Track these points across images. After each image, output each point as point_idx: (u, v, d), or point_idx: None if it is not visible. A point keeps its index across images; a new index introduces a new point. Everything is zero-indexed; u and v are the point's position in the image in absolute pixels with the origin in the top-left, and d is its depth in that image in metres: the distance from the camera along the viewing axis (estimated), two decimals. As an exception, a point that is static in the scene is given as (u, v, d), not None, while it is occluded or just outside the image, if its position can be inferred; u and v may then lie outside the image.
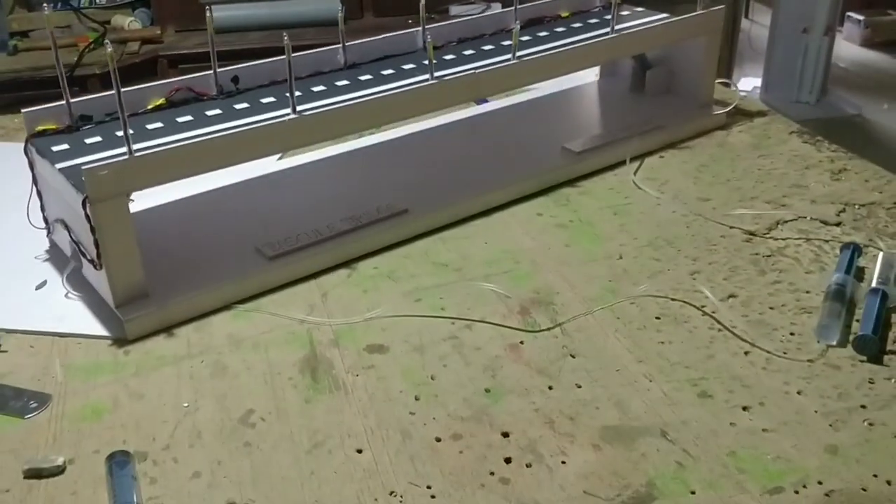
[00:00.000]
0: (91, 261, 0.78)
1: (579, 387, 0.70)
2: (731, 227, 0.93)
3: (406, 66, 1.03)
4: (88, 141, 0.85)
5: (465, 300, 0.82)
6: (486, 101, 1.30)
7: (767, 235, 0.92)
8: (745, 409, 0.67)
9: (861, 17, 4.30)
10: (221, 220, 0.94)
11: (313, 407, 0.69)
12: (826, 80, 3.51)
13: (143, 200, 0.95)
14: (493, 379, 0.72)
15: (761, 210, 0.97)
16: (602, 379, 0.71)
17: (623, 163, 1.08)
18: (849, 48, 4.25)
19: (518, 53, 0.99)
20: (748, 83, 3.70)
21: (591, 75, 1.33)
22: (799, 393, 0.69)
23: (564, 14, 1.22)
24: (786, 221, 0.94)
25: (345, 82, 0.99)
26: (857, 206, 0.97)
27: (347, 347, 0.76)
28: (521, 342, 0.76)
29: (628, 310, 0.80)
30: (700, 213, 0.96)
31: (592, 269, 0.87)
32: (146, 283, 0.79)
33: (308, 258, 0.87)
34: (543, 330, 0.78)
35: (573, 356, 0.74)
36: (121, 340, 0.78)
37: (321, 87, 0.97)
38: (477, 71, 0.96)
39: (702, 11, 1.13)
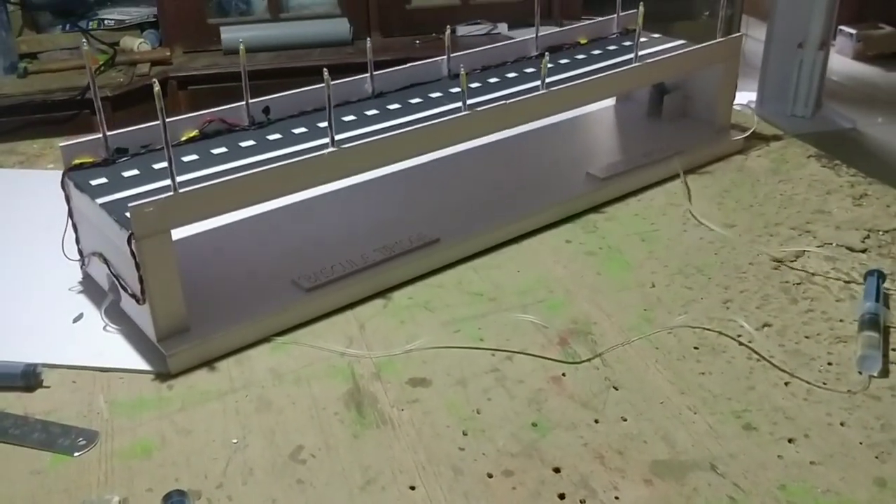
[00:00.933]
0: (133, 295, 0.78)
1: (625, 420, 0.71)
2: (759, 255, 0.94)
3: (433, 95, 1.04)
4: (126, 174, 0.85)
5: (503, 331, 0.83)
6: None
7: (795, 263, 0.93)
8: (790, 441, 0.68)
9: (853, 31, 4.35)
10: (256, 251, 0.95)
11: (362, 442, 0.70)
12: (821, 95, 3.55)
13: (177, 231, 0.95)
14: (538, 413, 0.72)
15: (787, 237, 0.98)
16: (647, 412, 0.72)
17: (646, 189, 1.09)
18: (841, 62, 4.30)
19: (546, 81, 0.99)
20: (743, 97, 3.73)
21: (608, 100, 1.34)
22: (842, 424, 0.70)
23: (583, 41, 1.23)
24: (812, 248, 0.96)
25: (374, 112, 1.00)
26: (881, 233, 0.98)
27: (390, 381, 0.77)
28: (564, 374, 0.77)
29: (666, 340, 0.81)
30: (727, 240, 0.98)
31: (626, 298, 0.88)
32: (188, 317, 0.80)
33: (344, 289, 0.88)
34: (584, 361, 0.78)
35: (616, 388, 0.75)
36: (163, 375, 0.78)
37: (352, 117, 0.98)
38: (509, 101, 0.96)
39: (721, 39, 1.15)
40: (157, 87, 0.74)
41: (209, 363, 0.80)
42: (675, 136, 1.19)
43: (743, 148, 1.21)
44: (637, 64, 1.08)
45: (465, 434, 0.70)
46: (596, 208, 1.06)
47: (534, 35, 1.18)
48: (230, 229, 0.98)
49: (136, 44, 2.00)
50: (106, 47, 2.01)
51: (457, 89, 1.04)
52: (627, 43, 1.22)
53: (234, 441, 0.70)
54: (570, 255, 0.96)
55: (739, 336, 0.81)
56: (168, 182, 0.76)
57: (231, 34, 2.01)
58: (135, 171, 0.86)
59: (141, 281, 0.76)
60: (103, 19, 2.10)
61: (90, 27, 2.08)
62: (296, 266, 0.90)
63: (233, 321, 0.82)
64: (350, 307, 0.87)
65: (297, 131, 0.94)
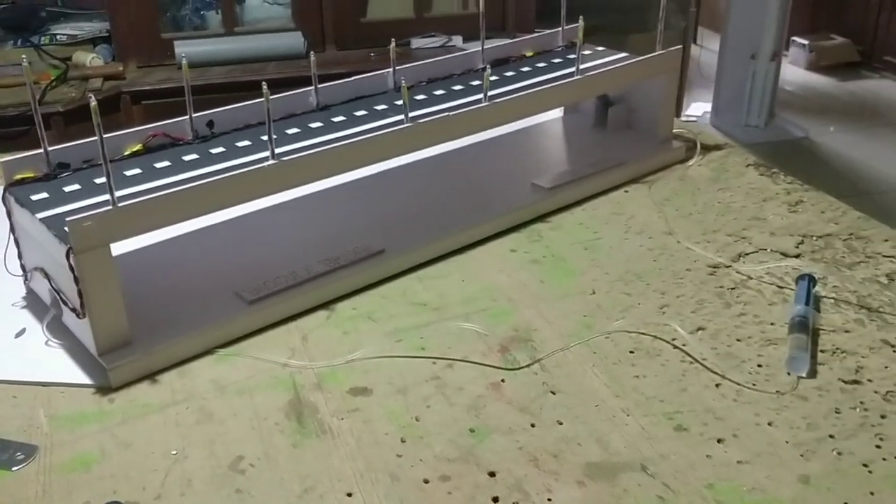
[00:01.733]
0: (74, 310, 0.78)
1: (561, 423, 0.73)
2: (696, 261, 0.97)
3: (378, 107, 1.06)
4: (67, 189, 0.85)
5: (445, 339, 0.84)
6: (453, 137, 1.33)
7: (730, 268, 0.95)
8: (719, 441, 0.70)
9: (806, 42, 4.44)
10: (199, 264, 0.95)
11: (302, 451, 0.71)
12: (773, 105, 3.62)
13: (120, 245, 0.95)
14: (477, 419, 0.74)
15: (723, 243, 1.00)
16: (582, 415, 0.74)
17: (591, 198, 1.11)
18: (795, 72, 4.39)
19: (489, 94, 1.01)
20: (698, 108, 3.80)
21: (555, 111, 1.37)
22: (770, 424, 0.72)
23: (528, 54, 1.25)
24: (747, 254, 0.98)
25: (318, 124, 1.01)
26: (814, 238, 1.01)
27: (331, 391, 0.78)
28: (503, 380, 0.78)
29: (603, 345, 0.83)
30: (666, 247, 1.00)
31: (568, 305, 0.89)
32: (129, 330, 0.80)
33: (287, 301, 0.88)
34: (523, 367, 0.80)
35: (553, 393, 0.76)
36: (105, 388, 0.78)
37: (295, 130, 0.99)
38: (451, 113, 0.98)
39: (661, 52, 1.17)
40: (93, 103, 0.74)
41: (151, 376, 0.80)
42: (619, 146, 1.22)
43: (685, 157, 1.24)
44: (578, 77, 1.10)
45: (403, 441, 0.71)
46: (541, 218, 1.08)
47: (480, 48, 1.19)
48: (174, 243, 0.98)
49: (89, 59, 1.99)
50: (58, 62, 2.00)
51: (401, 102, 1.05)
52: (572, 56, 1.24)
53: (174, 453, 0.71)
54: (515, 264, 0.98)
55: (674, 340, 0.83)
56: (108, 197, 0.77)
57: (185, 49, 2.00)
58: (76, 186, 0.86)
59: (81, 295, 0.77)
60: (55, 34, 2.09)
61: (42, 42, 2.07)
62: (239, 278, 0.90)
63: (175, 334, 0.82)
64: (293, 319, 0.88)
65: (240, 144, 0.95)
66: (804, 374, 0.77)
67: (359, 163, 0.94)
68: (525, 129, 1.30)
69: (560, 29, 1.28)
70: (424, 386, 0.78)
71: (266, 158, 0.87)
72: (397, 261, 0.96)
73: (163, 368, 0.81)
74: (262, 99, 0.99)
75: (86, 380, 0.79)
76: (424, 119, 0.97)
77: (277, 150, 0.88)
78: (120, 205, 0.77)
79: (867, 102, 4.01)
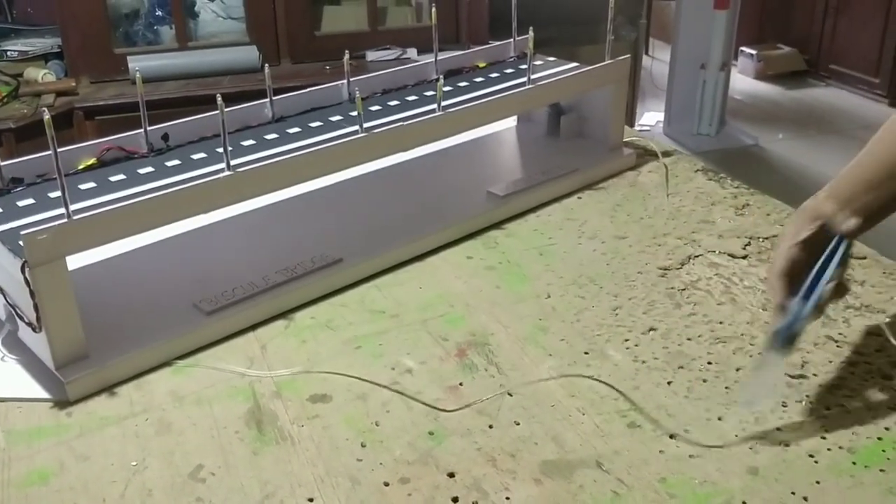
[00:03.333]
0: (30, 324, 0.78)
1: (518, 424, 0.74)
2: (647, 264, 0.99)
3: (333, 118, 1.07)
4: (21, 203, 0.85)
5: (403, 346, 0.85)
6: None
7: (680, 270, 0.98)
8: (671, 436, 0.72)
9: (754, 52, 4.54)
10: (157, 276, 0.95)
11: (261, 459, 0.71)
12: (724, 113, 3.70)
13: (76, 259, 0.95)
14: (435, 421, 0.75)
15: (673, 246, 1.03)
16: (539, 415, 0.75)
17: (545, 205, 1.13)
18: (743, 81, 4.48)
19: (442, 104, 1.03)
20: (651, 118, 3.87)
21: (509, 120, 1.39)
22: (720, 419, 0.74)
23: (481, 65, 1.27)
24: (696, 256, 1.01)
25: (274, 136, 1.02)
26: (761, 239, 1.04)
27: (291, 399, 0.78)
28: (461, 384, 0.80)
29: (559, 347, 0.84)
30: (618, 251, 1.02)
31: (523, 309, 0.91)
32: (85, 343, 0.80)
33: (245, 311, 0.89)
34: (480, 371, 0.81)
35: (510, 394, 0.78)
36: (62, 402, 0.78)
37: (251, 142, 1.00)
38: (405, 123, 0.99)
39: (609, 62, 1.20)
40: (46, 116, 0.74)
41: (109, 389, 0.80)
42: (571, 154, 1.24)
43: (636, 164, 1.26)
44: (529, 86, 1.12)
45: (363, 446, 0.72)
46: (497, 225, 1.09)
47: (433, 59, 1.21)
48: (130, 256, 0.98)
49: (41, 74, 1.98)
50: (9, 79, 1.98)
51: (355, 113, 1.06)
52: (524, 66, 1.26)
53: (133, 464, 0.71)
54: (471, 270, 0.99)
55: (627, 340, 0.85)
56: (63, 210, 0.77)
57: (139, 63, 2.00)
58: (30, 201, 0.86)
59: (36, 309, 0.76)
60: (6, 51, 2.07)
61: (-8, 59, 2.05)
62: (197, 290, 0.91)
63: (133, 346, 0.82)
64: (252, 328, 0.89)
65: (196, 157, 0.96)
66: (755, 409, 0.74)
67: (314, 173, 0.95)
68: (479, 139, 1.32)
69: (512, 40, 1.30)
70: (383, 392, 0.79)
71: (222, 170, 0.88)
72: (355, 269, 0.97)
73: (121, 381, 0.81)
74: (217, 111, 1.00)
75: (43, 394, 0.79)
76: (379, 129, 0.98)
77: (233, 162, 0.88)
78: (75, 218, 0.77)
79: (814, 110, 4.11)
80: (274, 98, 1.06)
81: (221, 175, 0.86)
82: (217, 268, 0.96)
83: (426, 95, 1.15)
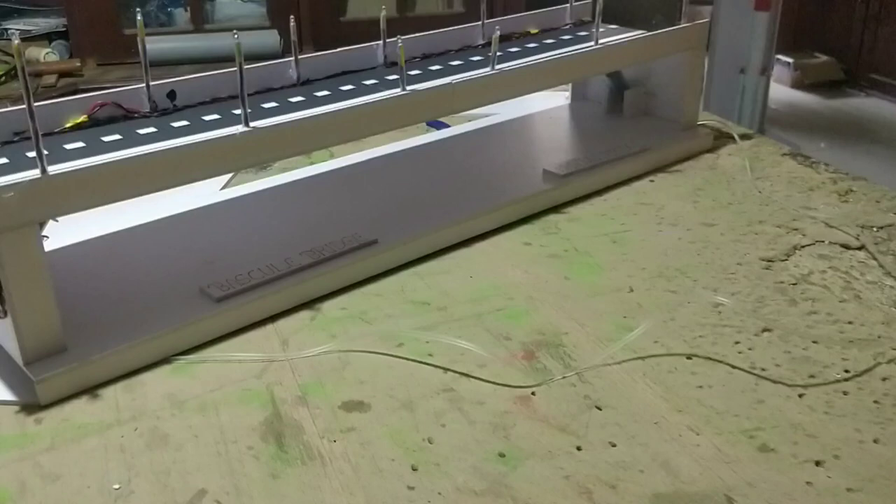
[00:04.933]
0: (-8, 307, 0.62)
1: (614, 445, 0.57)
2: (746, 255, 0.82)
3: (368, 82, 0.91)
4: (-10, 162, 0.69)
5: (455, 344, 0.69)
6: (446, 126, 1.18)
7: (787, 262, 0.81)
8: (818, 464, 0.55)
9: (790, 60, 4.37)
10: (157, 259, 0.79)
11: (283, 484, 0.54)
12: (763, 119, 3.52)
13: (60, 237, 0.79)
14: (506, 440, 0.58)
15: (773, 235, 0.86)
16: (639, 435, 0.58)
17: (611, 188, 0.97)
18: (778, 90, 4.30)
19: (496, 63, 0.87)
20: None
21: (561, 98, 1.23)
22: (876, 441, 0.57)
23: (533, 31, 1.11)
24: (803, 246, 0.84)
25: (299, 98, 0.86)
26: (875, 229, 0.87)
27: (319, 406, 0.62)
28: (533, 393, 0.63)
29: (653, 351, 0.68)
30: (707, 240, 0.85)
31: (601, 304, 0.74)
32: (63, 334, 0.64)
33: (263, 298, 0.73)
34: (557, 378, 0.64)
35: (599, 408, 0.61)
36: (31, 406, 0.62)
37: (273, 104, 0.83)
38: (454, 80, 0.83)
39: (686, 24, 1.04)
40: (16, 42, 0.59)
41: (90, 390, 0.64)
42: (638, 133, 1.07)
43: (712, 146, 1.10)
44: (597, 46, 0.96)
45: (414, 469, 0.55)
46: (556, 209, 0.93)
47: (480, 22, 1.05)
48: (126, 236, 0.82)
49: (43, 54, 1.83)
50: (9, 58, 1.84)
51: (394, 76, 0.91)
52: (583, 33, 1.10)
53: (116, 487, 0.54)
54: (531, 258, 0.83)
55: (737, 343, 0.68)
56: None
57: (150, 45, 1.85)
58: (3, 160, 0.70)
59: (1, 287, 0.60)
60: (6, 29, 1.93)
61: (-12, 38, 1.92)
62: (205, 273, 0.75)
63: (122, 338, 0.66)
64: (271, 320, 0.72)
65: (207, 118, 0.79)
66: None
67: (344, 135, 0.79)
68: (529, 117, 1.16)
69: (568, 5, 1.14)
70: (435, 399, 0.62)
71: (240, 128, 0.71)
72: (392, 253, 0.81)
73: (106, 381, 0.64)
74: (230, 69, 0.85)
75: (6, 395, 0.63)
76: (423, 86, 0.82)
77: (256, 123, 0.72)
78: (51, 172, 0.61)
79: (856, 120, 3.93)
80: (300, 57, 0.90)
81: (238, 131, 0.70)
82: (230, 248, 0.80)
83: (472, 61, 0.99)
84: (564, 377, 0.64)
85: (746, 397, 0.62)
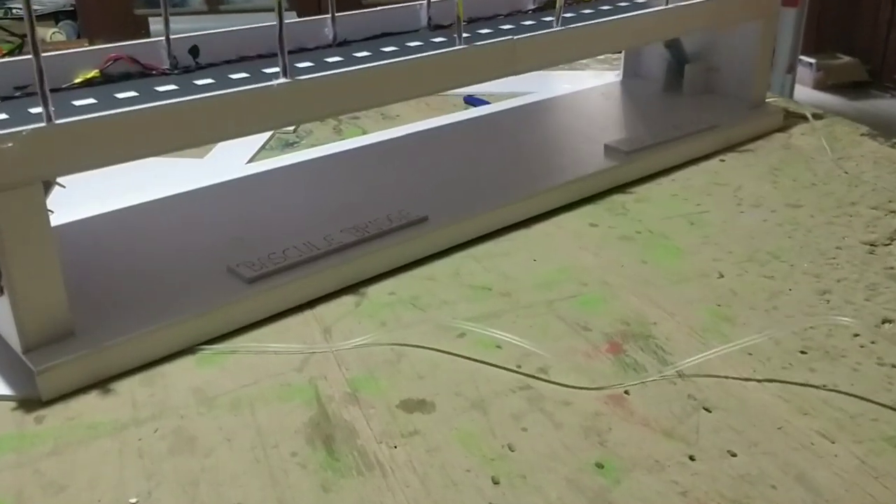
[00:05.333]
0: (-14, 283, 0.52)
1: (733, 455, 0.47)
2: (844, 238, 0.72)
3: (412, 44, 0.81)
4: (-13, 117, 0.59)
5: (527, 334, 0.59)
6: (486, 103, 1.09)
7: (891, 245, 0.71)
8: None
9: (812, 61, 4.26)
10: (179, 235, 0.70)
11: (337, 498, 0.45)
12: (789, 118, 3.42)
13: (69, 210, 0.70)
14: (602, 447, 0.48)
15: (870, 217, 0.76)
16: (762, 441, 0.48)
17: (678, 168, 0.87)
18: (801, 91, 4.20)
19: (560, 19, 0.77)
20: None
21: (610, 75, 1.13)
22: None
23: (587, -7, 1.02)
24: (907, 230, 0.74)
25: (336, 59, 0.76)
26: (983, 213, 0.77)
27: (374, 405, 0.52)
28: (627, 392, 0.53)
29: (759, 343, 0.58)
30: (797, 222, 0.76)
31: (689, 291, 0.65)
32: (71, 316, 0.54)
33: (300, 280, 0.63)
34: (653, 374, 0.55)
35: (708, 409, 0.51)
36: (30, 402, 0.52)
37: (308, 63, 0.74)
38: (517, 37, 0.74)
39: (760, -12, 0.94)
40: (20, -41, 0.49)
41: (102, 383, 0.54)
42: (703, 111, 0.98)
43: (784, 125, 1.00)
44: (668, 7, 0.86)
45: (495, 483, 0.46)
46: (620, 188, 0.83)
47: (531, -16, 0.95)
48: (145, 210, 0.73)
49: (49, 34, 1.74)
50: (14, 38, 1.75)
51: (440, 39, 0.81)
52: (641, 0, 1.00)
53: (133, 501, 0.44)
54: (599, 240, 0.73)
55: (857, 336, 0.58)
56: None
57: (161, 27, 1.76)
58: (2, 116, 0.60)
59: (-4, 258, 0.51)
60: (11, 8, 1.84)
61: (-8, 17, 1.83)
62: (235, 250, 0.65)
63: (141, 323, 0.56)
64: (310, 305, 0.63)
65: (235, 76, 0.70)
66: None
67: (399, 93, 0.70)
68: (579, 93, 1.06)
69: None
70: (511, 399, 0.52)
71: (279, 78, 0.62)
72: (444, 232, 0.71)
73: (120, 372, 0.55)
74: (261, 24, 0.76)
75: (2, 388, 0.53)
76: (483, 43, 0.72)
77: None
78: (58, 122, 0.51)
79: (882, 121, 3.83)
80: (337, 14, 0.80)
81: (276, 82, 0.61)
82: (261, 224, 0.71)
83: (524, 25, 0.89)
84: (661, 374, 0.54)
85: (882, 398, 0.52)
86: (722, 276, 0.67)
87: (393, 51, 0.78)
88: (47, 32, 1.76)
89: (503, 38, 0.73)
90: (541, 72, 1.28)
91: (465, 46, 0.70)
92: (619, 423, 0.50)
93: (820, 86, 4.25)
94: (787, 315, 0.61)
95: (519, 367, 0.55)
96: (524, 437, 0.49)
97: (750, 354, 0.56)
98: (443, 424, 0.50)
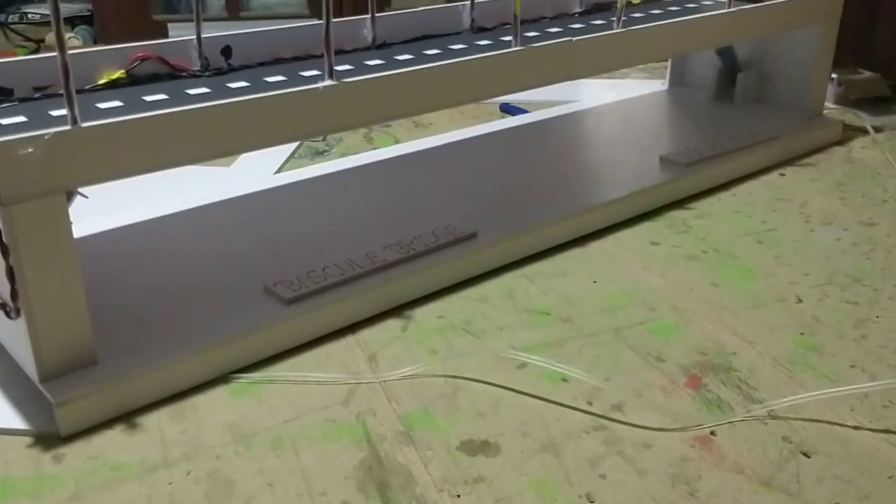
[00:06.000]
0: (2, 305, 0.47)
1: (847, 510, 0.42)
2: (929, 260, 0.67)
3: (455, 47, 0.76)
4: (5, 122, 0.54)
5: (595, 366, 0.53)
6: (524, 112, 1.03)
7: (981, 270, 0.65)
8: None
9: (834, 76, 4.21)
10: (210, 251, 0.64)
11: (397, 557, 0.39)
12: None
13: (89, 220, 0.65)
14: (694, 498, 0.42)
15: (953, 238, 0.70)
16: (874, 493, 0.43)
17: (737, 181, 0.82)
18: (823, 103, 4.15)
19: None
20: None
21: (656, 83, 1.08)
22: None
23: (635, 1, 0.96)
24: None
25: (378, 62, 0.71)
26: None
27: (431, 446, 0.46)
28: (713, 433, 0.47)
29: (853, 376, 0.52)
30: (875, 242, 0.70)
31: (767, 317, 0.59)
32: (93, 342, 0.49)
33: (342, 301, 0.57)
34: (741, 413, 0.49)
35: (806, 454, 0.45)
36: (48, 438, 0.47)
37: (347, 67, 0.68)
38: (578, 38, 0.68)
39: (821, -8, 0.89)
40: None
41: (128, 417, 0.48)
42: (758, 121, 0.92)
43: (843, 138, 0.95)
44: (729, 10, 0.80)
45: (578, 540, 0.40)
46: (678, 203, 0.78)
47: (575, -11, 0.90)
48: (173, 221, 0.68)
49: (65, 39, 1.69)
50: (30, 43, 1.70)
51: (485, 42, 0.76)
52: (692, 5, 0.95)
53: (165, 557, 0.39)
54: (665, 260, 0.67)
55: (964, 371, 0.53)
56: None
57: (181, 32, 1.71)
58: (19, 119, 0.55)
59: (12, 277, 0.45)
60: (26, 13, 1.80)
61: (11, 21, 1.77)
62: (272, 268, 0.60)
63: (170, 349, 0.51)
64: (352, 329, 0.57)
65: (271, 79, 0.64)
66: None
67: (452, 96, 0.64)
68: (626, 102, 1.01)
69: (673, -25, 0.99)
70: (585, 440, 0.47)
71: (324, 81, 0.56)
72: (495, 249, 0.65)
73: (147, 405, 0.49)
74: (296, 24, 0.71)
75: (17, 422, 0.48)
76: (541, 44, 0.67)
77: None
78: (84, 125, 0.46)
79: (906, 134, 3.76)
80: (376, 14, 0.75)
81: (321, 85, 0.55)
82: (297, 239, 0.65)
83: (572, 28, 0.84)
84: (749, 412, 0.49)
85: None
86: (801, 300, 0.61)
87: (437, 53, 0.73)
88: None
89: (562, 39, 0.68)
90: (580, 80, 1.23)
91: (521, 48, 0.65)
92: (710, 470, 0.44)
93: (841, 100, 4.19)
94: (879, 345, 0.55)
95: (590, 403, 0.50)
96: (604, 486, 0.43)
97: (845, 390, 0.51)
98: (511, 470, 0.44)
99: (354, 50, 0.74)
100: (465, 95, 0.65)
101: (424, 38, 0.79)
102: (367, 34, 0.75)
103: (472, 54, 0.69)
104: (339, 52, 0.72)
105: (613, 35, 0.71)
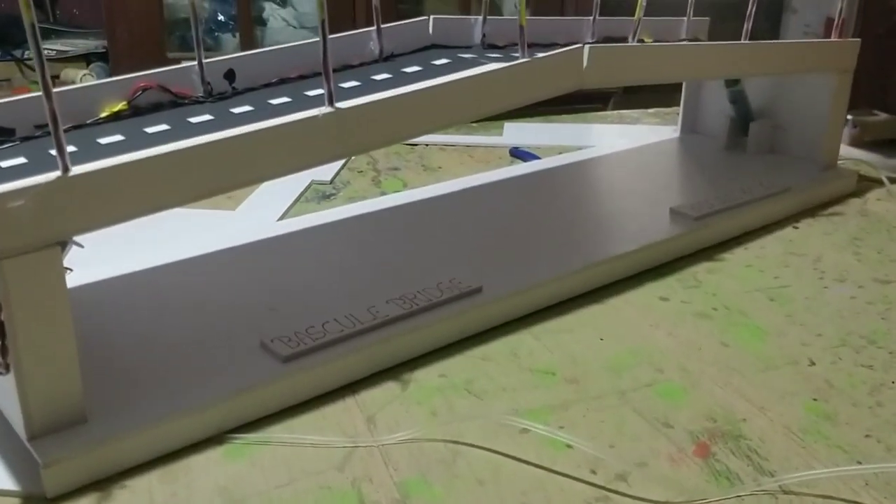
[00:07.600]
0: (-10, 361, 0.46)
1: None
2: (946, 322, 0.65)
3: (465, 56, 0.75)
4: (5, 164, 0.53)
5: (600, 432, 0.52)
6: (535, 157, 1.03)
7: None
8: None
9: (849, 117, 4.21)
10: (205, 304, 0.63)
11: None
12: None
13: (81, 270, 0.64)
14: (702, 581, 0.40)
15: (971, 298, 0.69)
16: (895, 582, 0.41)
17: (749, 235, 0.80)
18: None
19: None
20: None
21: (668, 130, 1.07)
22: None
23: (648, 39, 0.95)
24: None
25: (385, 76, 0.70)
26: None
27: (428, 514, 0.45)
28: (722, 507, 0.45)
29: (868, 448, 0.50)
30: (890, 301, 0.68)
31: (779, 381, 0.57)
32: (84, 399, 0.48)
33: (340, 359, 0.56)
34: (748, 483, 0.47)
35: (820, 535, 0.44)
36: (34, 499, 0.45)
37: (354, 83, 0.67)
38: (583, 44, 0.68)
39: (836, 39, 0.88)
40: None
41: (116, 479, 0.47)
42: (770, 172, 0.91)
43: (857, 190, 0.93)
44: (746, 42, 0.80)
45: None
46: (689, 258, 0.76)
47: (591, 17, 0.88)
48: (166, 273, 0.67)
49: (80, 76, 1.71)
50: (42, 79, 1.71)
51: (496, 54, 0.75)
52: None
53: None
54: (673, 317, 0.66)
55: (984, 445, 0.51)
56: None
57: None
58: (20, 160, 0.54)
59: (3, 332, 0.44)
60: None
61: (26, 57, 1.79)
62: (268, 322, 0.58)
63: (163, 407, 0.50)
64: (351, 389, 0.56)
65: (275, 102, 0.64)
66: None
67: (457, 115, 0.63)
68: (636, 150, 1.00)
69: (685, 18, 0.98)
70: (588, 513, 0.45)
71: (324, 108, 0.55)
72: (501, 305, 0.64)
73: (136, 466, 0.48)
74: (301, 42, 0.71)
75: (3, 482, 0.46)
76: (548, 54, 0.66)
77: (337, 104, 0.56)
78: (74, 172, 0.45)
79: (922, 177, 3.74)
80: (383, 26, 0.74)
81: (321, 112, 0.54)
82: (297, 292, 0.64)
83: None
84: (759, 486, 0.47)
85: None
86: (813, 363, 0.59)
87: (445, 63, 0.72)
88: (78, 74, 1.73)
89: (571, 47, 0.67)
90: (591, 125, 1.23)
91: (528, 59, 0.64)
92: (719, 550, 0.42)
93: (856, 143, 4.18)
94: (895, 413, 0.53)
95: (594, 472, 0.48)
96: (607, 565, 0.41)
97: (859, 462, 0.49)
98: (510, 545, 0.43)
99: (361, 64, 0.73)
100: (468, 113, 0.62)
101: (434, 47, 0.78)
102: (374, 47, 0.75)
103: (480, 63, 0.68)
104: (344, 67, 0.72)
105: (625, 47, 0.71)
